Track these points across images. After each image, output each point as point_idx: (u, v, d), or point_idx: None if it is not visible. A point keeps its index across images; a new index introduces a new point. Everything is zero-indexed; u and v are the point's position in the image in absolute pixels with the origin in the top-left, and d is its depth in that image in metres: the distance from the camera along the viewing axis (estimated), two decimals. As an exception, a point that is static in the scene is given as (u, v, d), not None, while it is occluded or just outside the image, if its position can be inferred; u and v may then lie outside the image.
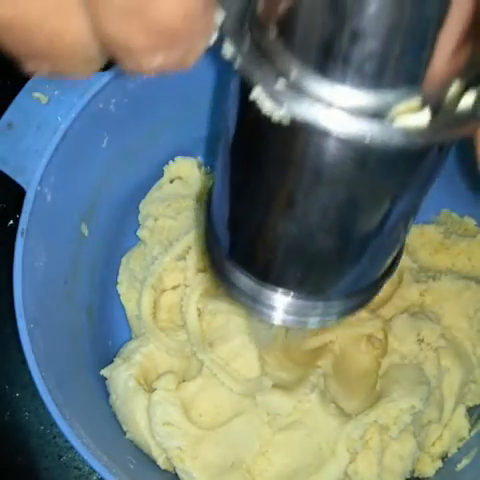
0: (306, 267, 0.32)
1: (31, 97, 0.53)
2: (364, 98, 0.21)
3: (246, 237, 0.33)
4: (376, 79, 0.21)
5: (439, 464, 0.57)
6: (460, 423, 0.57)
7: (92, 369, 0.57)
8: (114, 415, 0.56)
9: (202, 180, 0.64)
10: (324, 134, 0.22)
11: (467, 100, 0.22)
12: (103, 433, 0.53)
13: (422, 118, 0.22)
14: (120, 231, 0.64)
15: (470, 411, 0.59)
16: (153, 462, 0.55)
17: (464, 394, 0.58)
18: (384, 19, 0.19)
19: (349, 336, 0.57)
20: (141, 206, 0.64)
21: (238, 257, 0.34)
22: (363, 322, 0.57)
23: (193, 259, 0.56)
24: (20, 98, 0.53)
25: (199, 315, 0.55)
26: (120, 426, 0.56)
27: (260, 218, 0.30)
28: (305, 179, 0.26)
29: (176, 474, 0.54)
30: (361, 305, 0.36)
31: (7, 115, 0.53)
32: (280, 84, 0.22)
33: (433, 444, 0.57)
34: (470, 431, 0.58)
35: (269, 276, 0.33)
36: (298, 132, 0.23)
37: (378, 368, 0.56)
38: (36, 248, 0.51)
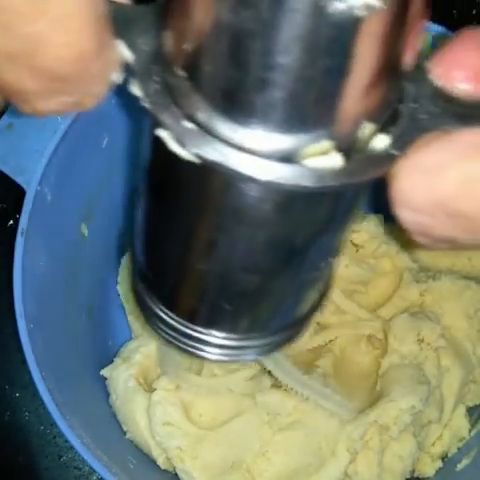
0: (230, 308, 0.31)
1: (31, 97, 0.53)
2: (272, 141, 0.21)
3: (166, 279, 0.33)
4: (282, 124, 0.21)
5: (439, 464, 0.57)
6: (460, 423, 0.57)
7: (92, 369, 0.57)
8: (114, 415, 0.56)
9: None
10: (232, 176, 0.22)
11: (380, 142, 0.22)
12: (103, 433, 0.53)
13: (334, 160, 0.22)
14: (120, 231, 0.64)
15: (470, 411, 0.59)
16: (153, 462, 0.55)
17: (464, 394, 0.58)
18: (288, 69, 0.19)
19: (349, 336, 0.57)
20: (141, 206, 0.64)
21: (163, 300, 0.34)
22: (363, 322, 0.57)
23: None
24: (20, 98, 0.53)
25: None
26: (120, 426, 0.56)
27: (175, 258, 0.30)
28: (214, 220, 0.26)
29: (176, 474, 0.54)
30: (294, 337, 0.36)
31: (7, 115, 0.53)
32: (186, 125, 0.22)
33: (433, 444, 0.57)
34: (470, 431, 0.58)
35: (199, 319, 0.33)
36: (207, 173, 0.23)
37: (378, 368, 0.56)
38: (36, 248, 0.51)
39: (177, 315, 0.33)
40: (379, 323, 0.57)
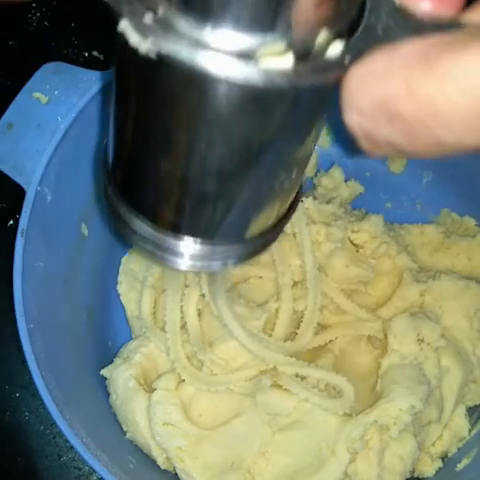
0: (200, 212, 0.32)
1: (31, 97, 0.53)
2: (228, 39, 0.22)
3: (138, 183, 0.33)
4: (239, 24, 0.22)
5: (439, 464, 0.57)
6: (460, 423, 0.57)
7: (92, 369, 0.57)
8: (114, 415, 0.56)
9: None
10: (187, 70, 0.22)
11: (334, 49, 0.23)
12: (103, 433, 0.53)
13: (286, 62, 0.23)
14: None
15: (470, 411, 0.59)
16: (153, 462, 0.55)
17: (464, 394, 0.58)
18: None
19: (349, 336, 0.57)
20: (141, 206, 0.64)
21: (136, 205, 0.34)
22: (363, 323, 0.57)
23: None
24: (20, 98, 0.53)
25: (199, 315, 0.55)
26: (120, 426, 0.56)
27: (140, 159, 0.30)
28: (175, 117, 0.26)
29: (176, 474, 0.54)
30: (260, 250, 0.36)
31: (7, 115, 0.53)
32: (147, 18, 0.22)
33: (433, 444, 0.57)
34: (470, 431, 0.58)
35: (167, 223, 0.33)
36: (163, 66, 0.23)
37: (378, 368, 0.56)
38: (36, 248, 0.51)
39: (149, 223, 0.33)
40: (379, 324, 0.57)
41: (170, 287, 0.55)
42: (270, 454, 0.52)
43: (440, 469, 0.57)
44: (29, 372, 0.48)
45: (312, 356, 0.56)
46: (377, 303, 0.60)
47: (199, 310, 0.55)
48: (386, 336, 0.57)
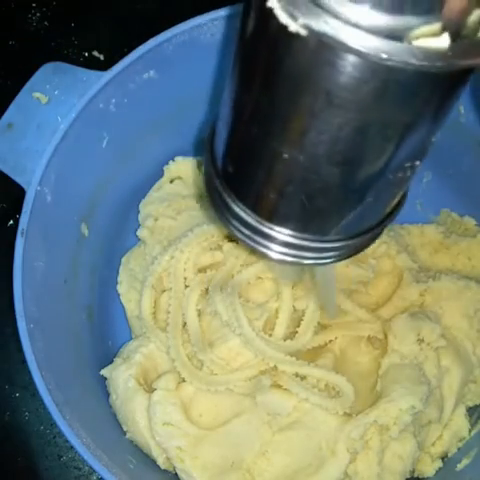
0: (308, 203, 0.31)
1: (31, 97, 0.53)
2: (384, 20, 0.22)
3: (249, 167, 0.33)
4: (396, 4, 0.22)
5: (439, 464, 0.57)
6: (460, 423, 0.57)
7: (92, 369, 0.57)
8: (114, 415, 0.56)
9: (202, 180, 0.64)
10: (341, 49, 0.23)
11: None
12: (103, 433, 0.53)
13: (441, 42, 0.23)
14: (120, 231, 0.64)
15: (470, 411, 0.59)
16: (153, 462, 0.55)
17: (464, 394, 0.58)
18: None
19: (349, 336, 0.57)
20: (141, 206, 0.64)
21: (239, 191, 0.34)
22: (363, 324, 0.57)
23: (192, 260, 0.56)
24: (20, 98, 0.53)
25: (199, 315, 0.55)
26: (120, 426, 0.56)
27: (266, 143, 0.30)
28: (318, 100, 0.26)
29: (176, 474, 0.54)
30: (357, 251, 0.36)
31: (7, 115, 0.53)
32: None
33: (433, 444, 0.57)
34: (470, 431, 0.58)
35: (270, 212, 0.33)
36: (312, 45, 0.23)
37: (378, 368, 0.56)
38: (36, 248, 0.51)
39: (251, 209, 0.34)
40: (379, 324, 0.57)
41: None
42: (270, 454, 0.52)
43: (440, 469, 0.57)
44: (29, 372, 0.48)
45: (312, 356, 0.56)
46: (377, 303, 0.60)
47: (199, 310, 0.55)
48: (386, 336, 0.57)
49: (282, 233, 0.34)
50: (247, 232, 0.35)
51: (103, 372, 0.57)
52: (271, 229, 0.34)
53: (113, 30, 0.75)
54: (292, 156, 0.29)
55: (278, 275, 0.55)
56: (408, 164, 0.30)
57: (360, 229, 0.35)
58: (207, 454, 0.52)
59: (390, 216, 0.35)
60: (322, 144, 0.28)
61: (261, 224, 0.34)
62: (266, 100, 0.28)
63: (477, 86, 0.54)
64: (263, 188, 0.32)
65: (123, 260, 0.64)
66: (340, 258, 0.36)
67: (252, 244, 0.35)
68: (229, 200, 0.35)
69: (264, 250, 0.35)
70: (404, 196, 0.35)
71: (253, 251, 0.38)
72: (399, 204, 0.35)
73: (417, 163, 0.31)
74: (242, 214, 0.34)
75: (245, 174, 0.33)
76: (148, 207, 0.63)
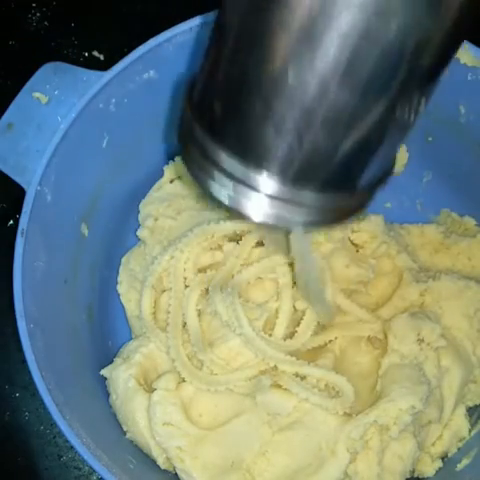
0: (303, 140, 0.30)
1: (31, 97, 0.53)
2: None
3: (243, 100, 0.30)
4: None
5: (439, 464, 0.57)
6: (460, 423, 0.57)
7: (92, 369, 0.57)
8: (114, 415, 0.56)
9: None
10: None
11: None
12: (103, 433, 0.53)
13: None
14: (120, 231, 0.64)
15: (470, 411, 0.59)
16: (153, 462, 0.55)
17: (464, 394, 0.58)
18: None
19: (349, 336, 0.57)
20: (141, 206, 0.64)
21: (226, 135, 0.32)
22: (363, 325, 0.57)
23: (192, 260, 0.56)
24: (20, 98, 0.53)
25: (199, 315, 0.55)
26: (120, 426, 0.56)
27: (258, 73, 0.28)
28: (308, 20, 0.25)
29: (176, 474, 0.54)
30: (345, 216, 0.34)
31: (7, 115, 0.53)
32: None
33: (433, 444, 0.57)
34: (470, 431, 0.58)
35: (258, 154, 0.31)
36: None
37: (378, 368, 0.56)
38: (36, 248, 0.51)
39: (238, 154, 0.31)
40: (379, 325, 0.57)
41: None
42: (270, 454, 0.52)
43: (440, 469, 0.57)
44: (29, 372, 0.48)
45: (312, 356, 0.56)
46: (377, 303, 0.60)
47: (199, 310, 0.55)
48: (386, 336, 0.57)
49: (268, 184, 0.31)
50: (228, 186, 0.32)
51: (103, 372, 0.57)
52: (258, 179, 0.31)
53: (113, 30, 0.75)
54: (297, 76, 0.27)
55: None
56: (406, 116, 0.30)
57: (346, 183, 0.33)
58: (207, 454, 0.52)
59: (374, 186, 0.34)
60: (328, 59, 0.26)
61: (247, 174, 0.31)
62: (258, 21, 0.27)
63: (477, 86, 0.54)
64: (256, 124, 0.30)
65: (123, 260, 0.64)
66: (328, 223, 0.34)
67: (232, 203, 0.33)
68: (211, 149, 0.32)
69: (246, 210, 0.33)
70: (392, 164, 0.34)
71: (233, 215, 0.35)
72: (384, 176, 0.34)
73: (422, 103, 0.30)
74: (226, 163, 0.32)
75: (236, 110, 0.31)
76: (148, 207, 0.63)
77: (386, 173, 0.35)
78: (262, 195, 0.32)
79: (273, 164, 0.31)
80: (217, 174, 0.32)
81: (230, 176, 0.32)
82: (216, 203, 0.34)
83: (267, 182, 0.32)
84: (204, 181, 0.33)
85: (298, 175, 0.31)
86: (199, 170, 0.34)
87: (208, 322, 0.55)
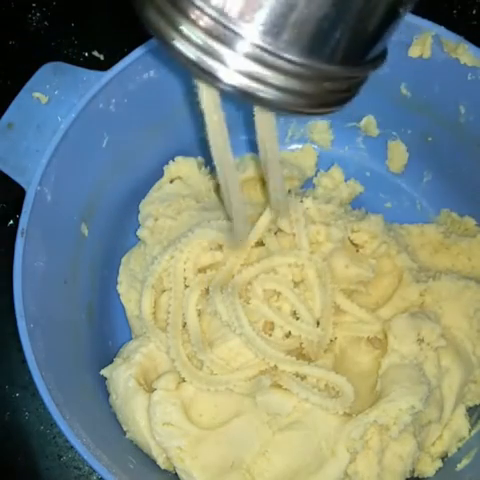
0: None
1: (31, 97, 0.53)
2: None
3: None
4: None
5: (439, 464, 0.57)
6: (460, 423, 0.57)
7: (92, 369, 0.57)
8: (114, 415, 0.56)
9: (202, 180, 0.64)
10: None
11: None
12: (103, 433, 0.53)
13: None
14: (120, 231, 0.64)
15: (470, 411, 0.59)
16: (153, 462, 0.55)
17: (464, 394, 0.58)
18: None
19: (349, 336, 0.57)
20: (141, 206, 0.64)
21: None
22: (363, 325, 0.57)
23: (192, 260, 0.56)
24: (20, 98, 0.53)
25: (199, 315, 0.55)
26: (120, 426, 0.56)
27: None
28: None
29: (176, 474, 0.54)
30: (323, 104, 0.30)
31: (7, 115, 0.53)
32: None
33: (433, 444, 0.57)
34: (470, 431, 0.58)
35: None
36: None
37: (378, 368, 0.56)
38: (36, 248, 0.51)
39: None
40: (379, 324, 0.57)
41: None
42: (270, 454, 0.52)
43: (440, 469, 0.57)
44: (29, 372, 0.48)
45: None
46: (377, 303, 0.60)
47: (199, 310, 0.55)
48: (386, 336, 0.57)
49: (249, 37, 0.26)
50: (198, 40, 0.27)
51: (103, 372, 0.57)
52: (238, 31, 0.26)
53: (113, 30, 0.75)
54: None
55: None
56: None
57: (332, 51, 0.28)
58: (207, 454, 0.52)
59: (357, 70, 0.30)
60: None
61: (224, 23, 0.26)
62: None
63: (477, 86, 0.54)
64: None
65: (123, 260, 0.64)
66: (308, 107, 0.29)
67: (200, 61, 0.27)
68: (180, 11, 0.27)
69: (215, 71, 0.27)
70: (384, 52, 0.31)
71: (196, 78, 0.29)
72: (377, 60, 0.30)
73: (401, 14, 0.27)
74: (200, 10, 0.26)
75: None
76: (148, 207, 0.63)
77: (372, 59, 0.30)
78: (239, 54, 0.27)
79: (260, 13, 0.26)
80: (185, 24, 0.27)
81: (201, 28, 0.27)
82: (177, 61, 0.28)
83: (248, 35, 0.26)
84: (166, 33, 0.28)
85: (284, 27, 0.26)
86: (161, 17, 0.28)
87: (208, 322, 0.55)
